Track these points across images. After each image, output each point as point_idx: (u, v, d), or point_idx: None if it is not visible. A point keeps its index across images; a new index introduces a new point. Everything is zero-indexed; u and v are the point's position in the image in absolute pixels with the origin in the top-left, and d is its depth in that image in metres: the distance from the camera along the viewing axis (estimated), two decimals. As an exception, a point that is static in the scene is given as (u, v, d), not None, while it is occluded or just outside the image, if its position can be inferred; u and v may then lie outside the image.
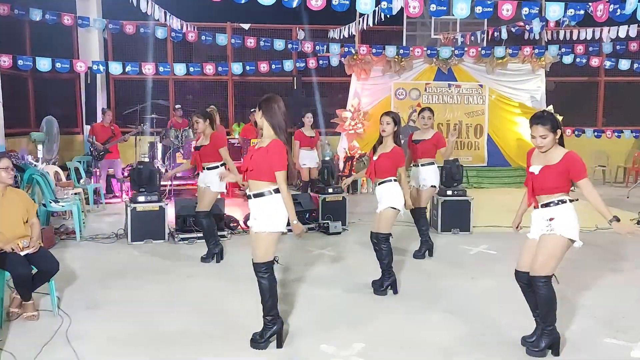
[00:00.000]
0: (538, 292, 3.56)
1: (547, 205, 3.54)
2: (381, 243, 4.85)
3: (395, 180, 4.86)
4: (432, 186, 6.16)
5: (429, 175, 6.11)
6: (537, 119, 3.56)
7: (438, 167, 6.34)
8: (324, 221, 7.42)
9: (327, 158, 8.33)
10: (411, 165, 6.25)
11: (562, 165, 3.47)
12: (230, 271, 5.58)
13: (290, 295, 4.84)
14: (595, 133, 13.15)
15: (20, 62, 10.12)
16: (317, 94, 13.20)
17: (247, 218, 7.34)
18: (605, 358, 3.66)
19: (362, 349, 3.75)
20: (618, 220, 3.48)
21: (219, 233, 6.69)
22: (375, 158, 4.89)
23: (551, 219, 3.50)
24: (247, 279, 5.24)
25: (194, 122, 5.99)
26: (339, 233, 7.24)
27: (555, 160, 3.50)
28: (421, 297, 4.81)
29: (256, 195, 3.69)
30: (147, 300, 4.72)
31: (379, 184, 4.89)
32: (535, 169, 3.59)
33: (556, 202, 3.51)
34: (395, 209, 4.81)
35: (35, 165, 7.74)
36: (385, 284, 4.87)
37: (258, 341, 3.74)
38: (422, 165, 6.13)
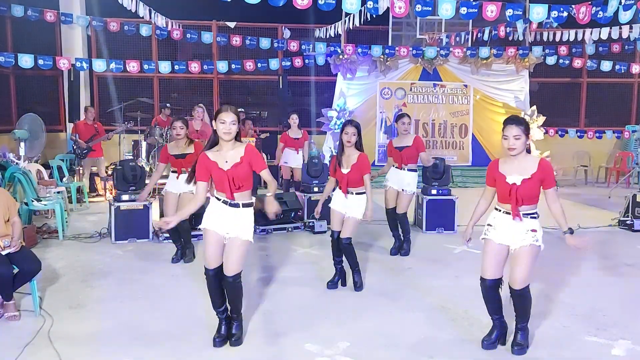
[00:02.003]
0: (524, 300, 3.63)
1: (529, 215, 3.54)
2: (350, 246, 4.92)
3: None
4: (412, 192, 6.18)
5: (413, 181, 6.15)
6: (513, 120, 3.57)
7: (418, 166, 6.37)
8: (309, 220, 7.43)
9: (314, 156, 8.31)
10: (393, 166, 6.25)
11: (540, 173, 3.49)
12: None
13: (275, 294, 4.84)
14: (578, 133, 13.33)
15: (1, 59, 9.98)
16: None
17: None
18: (586, 355, 3.70)
19: (346, 347, 3.76)
20: (572, 232, 3.56)
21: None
22: (346, 171, 4.84)
23: (534, 230, 3.52)
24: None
25: (178, 128, 5.74)
26: (324, 232, 7.24)
27: (532, 168, 3.51)
28: (405, 296, 4.83)
29: (245, 205, 3.68)
30: (130, 300, 4.68)
31: (355, 194, 4.87)
32: (515, 179, 3.51)
33: (535, 213, 3.57)
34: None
35: (17, 163, 7.64)
36: (358, 279, 4.97)
37: (241, 338, 3.79)
38: (408, 170, 6.14)
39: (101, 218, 7.78)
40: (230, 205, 3.62)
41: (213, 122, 3.65)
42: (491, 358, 3.65)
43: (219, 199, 3.67)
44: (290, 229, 7.35)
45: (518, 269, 3.55)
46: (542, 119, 12.27)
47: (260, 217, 7.30)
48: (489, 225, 3.67)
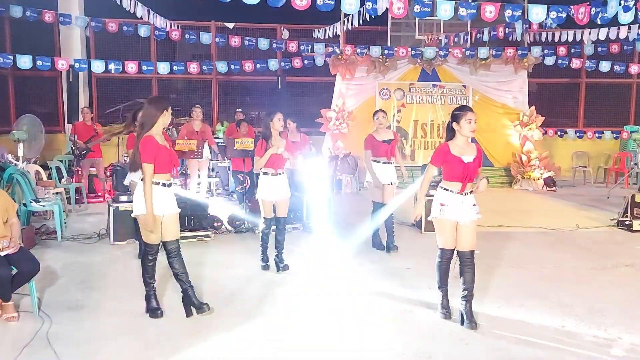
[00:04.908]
0: (472, 265, 4.17)
1: (472, 192, 4.13)
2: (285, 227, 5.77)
3: None
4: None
5: (395, 173, 6.44)
6: (468, 108, 4.23)
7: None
8: (308, 220, 7.43)
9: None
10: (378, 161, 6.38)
11: (479, 155, 4.16)
12: (212, 270, 5.55)
13: (273, 295, 4.84)
14: (577, 134, 13.34)
15: (0, 60, 9.97)
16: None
17: (231, 218, 7.33)
18: (586, 355, 3.70)
19: (345, 347, 3.76)
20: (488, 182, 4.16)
21: (204, 233, 6.74)
22: (281, 151, 5.35)
23: (475, 205, 4.12)
24: (230, 278, 5.26)
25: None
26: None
27: (474, 151, 4.15)
28: (404, 296, 4.83)
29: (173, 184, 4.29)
30: (129, 301, 4.66)
31: (280, 174, 5.51)
32: (469, 159, 4.08)
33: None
34: None
35: (15, 164, 7.63)
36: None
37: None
38: (391, 163, 6.39)
39: (100, 219, 7.77)
40: (169, 185, 4.14)
41: (159, 113, 4.15)
42: (490, 357, 3.65)
43: (157, 183, 4.06)
44: (289, 230, 7.33)
45: (470, 237, 4.15)
46: (540, 119, 12.28)
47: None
48: (441, 205, 4.12)
